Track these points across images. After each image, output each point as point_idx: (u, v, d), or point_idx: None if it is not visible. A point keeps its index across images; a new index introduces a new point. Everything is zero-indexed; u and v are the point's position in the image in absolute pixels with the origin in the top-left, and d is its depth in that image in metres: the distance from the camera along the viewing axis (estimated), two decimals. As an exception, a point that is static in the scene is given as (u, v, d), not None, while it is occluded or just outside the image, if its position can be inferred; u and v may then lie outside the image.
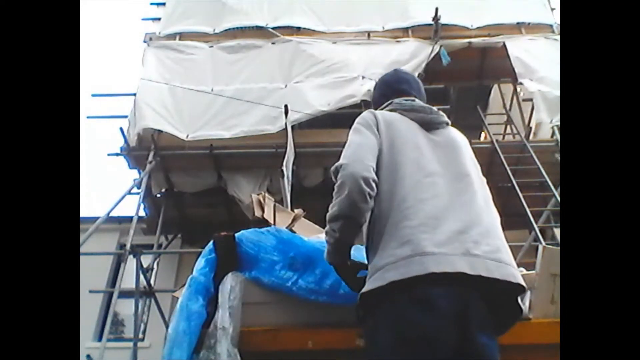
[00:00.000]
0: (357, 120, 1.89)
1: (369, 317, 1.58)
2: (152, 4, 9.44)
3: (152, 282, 7.33)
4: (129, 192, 7.24)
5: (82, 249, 4.87)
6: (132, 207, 7.53)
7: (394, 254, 1.56)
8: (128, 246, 6.42)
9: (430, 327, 1.45)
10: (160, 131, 7.45)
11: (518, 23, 8.44)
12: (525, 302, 2.33)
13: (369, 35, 8.14)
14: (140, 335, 7.50)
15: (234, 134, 7.20)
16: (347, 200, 1.62)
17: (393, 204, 1.65)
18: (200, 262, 2.40)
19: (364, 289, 1.59)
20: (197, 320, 2.18)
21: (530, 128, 8.02)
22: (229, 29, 8.49)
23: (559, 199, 6.44)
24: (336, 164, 1.72)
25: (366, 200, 1.63)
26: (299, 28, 8.49)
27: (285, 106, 6.22)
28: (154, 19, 9.07)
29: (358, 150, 1.74)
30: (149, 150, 7.36)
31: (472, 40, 8.13)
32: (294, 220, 3.18)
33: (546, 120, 7.31)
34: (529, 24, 8.45)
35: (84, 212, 8.15)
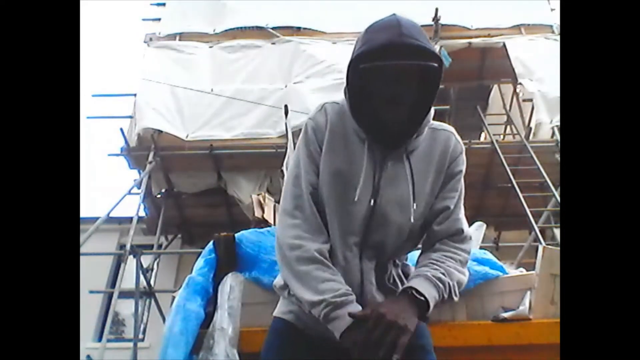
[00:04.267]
0: None
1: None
2: (152, 4, 9.44)
3: (152, 282, 7.34)
4: (129, 193, 7.25)
5: (82, 249, 4.88)
6: (132, 207, 7.57)
7: None
8: (128, 246, 6.43)
9: None
10: (160, 131, 7.45)
11: (518, 23, 8.45)
12: (525, 302, 2.33)
13: (369, 35, 8.13)
14: (140, 336, 7.50)
15: (234, 135, 7.21)
16: None
17: None
18: (200, 263, 2.40)
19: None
20: (194, 320, 2.18)
21: (530, 128, 8.02)
22: (229, 29, 8.50)
23: (559, 199, 6.44)
24: None
25: None
26: (299, 28, 8.51)
27: (285, 106, 6.23)
28: (154, 20, 9.08)
29: None
30: (149, 151, 7.37)
31: (472, 40, 8.14)
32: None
33: (546, 121, 7.32)
34: (528, 24, 8.47)
35: (84, 212, 8.14)
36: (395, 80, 1.41)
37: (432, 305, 1.41)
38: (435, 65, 1.41)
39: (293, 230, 1.48)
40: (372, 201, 1.48)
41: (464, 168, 1.60)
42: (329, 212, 1.51)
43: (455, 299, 1.48)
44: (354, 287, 1.45)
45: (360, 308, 1.39)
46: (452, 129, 1.62)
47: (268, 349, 1.56)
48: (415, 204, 1.49)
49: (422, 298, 1.40)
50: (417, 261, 1.56)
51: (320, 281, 1.40)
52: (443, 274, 1.45)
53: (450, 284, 1.45)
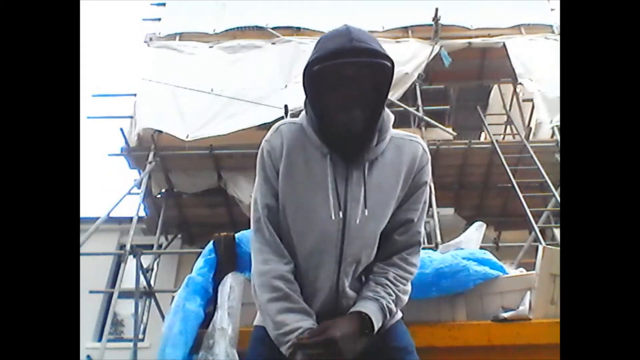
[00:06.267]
0: None
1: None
2: (152, 4, 9.44)
3: (152, 282, 7.33)
4: (129, 193, 7.25)
5: (82, 249, 4.87)
6: (132, 207, 7.57)
7: None
8: (128, 246, 6.42)
9: None
10: (160, 131, 7.45)
11: (518, 24, 8.45)
12: (525, 302, 2.33)
13: (369, 35, 8.13)
14: (140, 336, 7.49)
15: (232, 130, 7.20)
16: None
17: None
18: (200, 263, 2.40)
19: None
20: (194, 320, 2.18)
21: (530, 128, 8.02)
22: (229, 29, 8.50)
23: (559, 199, 6.44)
24: None
25: None
26: (299, 28, 8.50)
27: (285, 106, 6.23)
28: (154, 20, 9.08)
29: None
30: (149, 151, 7.36)
31: (472, 40, 8.14)
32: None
33: (546, 121, 7.32)
34: (528, 24, 8.47)
35: (84, 212, 8.14)
36: (347, 83, 1.40)
37: (375, 328, 1.46)
38: (385, 63, 1.41)
39: (259, 255, 1.52)
40: (342, 215, 1.48)
41: (429, 179, 1.60)
42: (297, 232, 1.51)
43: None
44: (327, 302, 1.50)
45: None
46: (420, 139, 1.63)
47: (251, 353, 1.60)
48: (366, 210, 1.48)
49: (370, 323, 1.44)
50: (372, 270, 1.57)
51: (275, 313, 1.45)
52: (394, 301, 1.50)
53: (394, 311, 1.52)
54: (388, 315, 1.49)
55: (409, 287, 1.57)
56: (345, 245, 1.49)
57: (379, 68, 1.41)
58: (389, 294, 1.49)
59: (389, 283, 1.51)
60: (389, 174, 1.52)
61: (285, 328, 1.42)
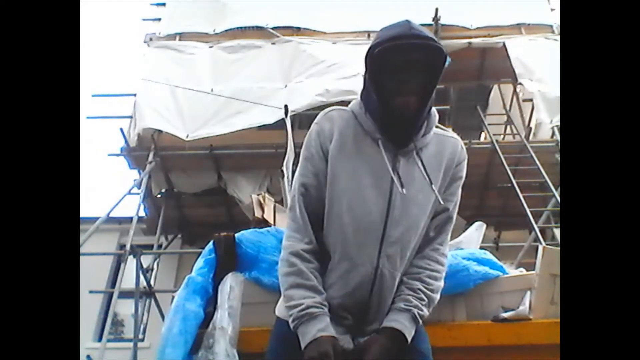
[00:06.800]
0: None
1: None
2: (152, 4, 9.44)
3: (152, 282, 7.33)
4: (129, 193, 7.25)
5: (82, 249, 4.88)
6: (132, 207, 7.56)
7: None
8: (128, 246, 6.42)
9: None
10: (160, 131, 7.45)
11: (518, 23, 8.44)
12: (525, 302, 2.33)
13: (369, 35, 8.12)
14: (140, 336, 7.49)
15: (232, 130, 7.20)
16: None
17: None
18: (200, 263, 2.40)
19: None
20: (193, 320, 2.18)
21: (530, 128, 8.02)
22: (229, 29, 8.49)
23: (559, 199, 6.44)
24: None
25: None
26: (299, 28, 8.50)
27: (285, 106, 6.22)
28: (154, 20, 9.08)
29: None
30: (149, 151, 7.36)
31: (472, 40, 8.13)
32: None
33: (546, 121, 7.31)
34: (528, 24, 8.46)
35: (84, 212, 8.14)
36: (403, 67, 1.49)
37: (408, 340, 1.52)
38: (440, 47, 1.50)
39: (287, 230, 1.61)
40: (388, 196, 1.54)
41: (464, 175, 1.69)
42: (344, 209, 1.55)
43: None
44: (364, 279, 1.53)
45: (326, 321, 1.46)
46: (459, 138, 1.72)
47: (272, 352, 1.63)
48: (435, 190, 1.56)
49: (403, 337, 1.51)
50: (407, 270, 1.60)
51: (287, 287, 1.52)
52: (426, 305, 1.56)
53: (426, 315, 1.57)
54: (420, 321, 1.55)
55: (441, 283, 1.61)
56: (388, 226, 1.54)
57: (434, 54, 1.50)
58: (421, 300, 1.55)
59: (421, 287, 1.56)
60: (432, 164, 1.59)
61: (291, 302, 1.49)
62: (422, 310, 1.54)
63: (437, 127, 1.66)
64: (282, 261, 1.56)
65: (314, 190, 1.58)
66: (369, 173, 1.55)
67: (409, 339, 1.51)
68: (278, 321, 1.62)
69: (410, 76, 1.49)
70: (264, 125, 7.19)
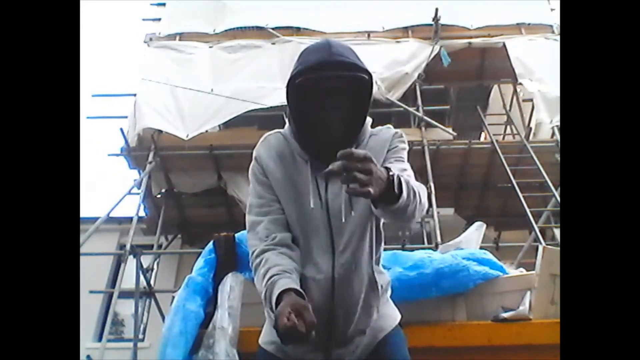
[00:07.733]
0: None
1: None
2: (152, 4, 9.44)
3: (152, 282, 7.33)
4: (129, 193, 7.25)
5: (82, 250, 4.87)
6: (132, 207, 7.56)
7: None
8: (128, 246, 6.42)
9: None
10: (160, 131, 7.45)
11: (518, 23, 8.44)
12: (525, 302, 2.33)
13: (369, 35, 8.14)
14: (140, 336, 7.50)
15: (228, 118, 7.23)
16: None
17: None
18: (200, 263, 2.40)
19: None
20: (194, 320, 2.18)
21: (530, 128, 8.02)
22: (229, 29, 8.50)
23: (559, 199, 6.44)
24: None
25: None
26: (299, 28, 8.50)
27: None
28: (154, 20, 9.08)
29: None
30: (149, 151, 7.37)
31: (472, 40, 8.14)
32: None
33: (546, 121, 7.31)
34: (528, 24, 8.46)
35: (84, 212, 8.14)
36: (327, 93, 1.49)
37: (398, 191, 1.34)
38: (363, 76, 1.50)
39: (249, 248, 1.60)
40: (327, 213, 1.56)
41: (404, 146, 1.65)
42: (297, 236, 1.58)
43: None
44: (325, 297, 1.54)
45: (289, 279, 1.43)
46: (392, 127, 1.70)
47: None
48: (352, 211, 1.54)
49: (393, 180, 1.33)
50: None
51: (261, 277, 1.48)
52: (406, 182, 1.38)
53: (413, 197, 1.39)
54: (405, 186, 1.35)
55: (417, 185, 1.44)
56: (334, 237, 1.57)
57: (357, 81, 1.51)
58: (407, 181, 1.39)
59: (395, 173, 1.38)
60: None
61: (260, 286, 1.47)
62: (409, 186, 1.37)
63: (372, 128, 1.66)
64: (253, 270, 1.55)
65: (267, 208, 1.60)
66: (306, 193, 1.57)
67: (402, 187, 1.34)
68: (260, 350, 1.65)
69: (333, 101, 1.50)
70: (264, 126, 7.18)
